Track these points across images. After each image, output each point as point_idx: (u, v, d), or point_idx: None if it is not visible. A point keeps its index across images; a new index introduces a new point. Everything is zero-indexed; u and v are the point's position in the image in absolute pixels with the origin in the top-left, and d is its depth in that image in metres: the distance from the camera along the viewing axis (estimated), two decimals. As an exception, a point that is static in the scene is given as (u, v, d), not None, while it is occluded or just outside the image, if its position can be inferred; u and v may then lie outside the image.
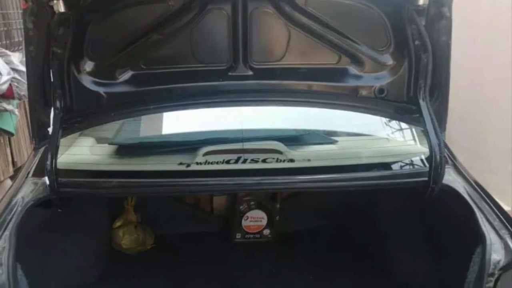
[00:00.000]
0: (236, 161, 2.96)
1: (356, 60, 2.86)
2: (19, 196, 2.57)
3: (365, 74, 2.88)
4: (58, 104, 2.67)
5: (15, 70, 5.61)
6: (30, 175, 2.73)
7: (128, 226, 3.95)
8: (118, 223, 3.96)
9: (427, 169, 2.68)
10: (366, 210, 3.86)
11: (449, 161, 2.82)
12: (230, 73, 2.84)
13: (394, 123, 3.33)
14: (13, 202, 2.53)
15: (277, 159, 3.00)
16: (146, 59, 2.82)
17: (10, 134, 6.04)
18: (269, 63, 2.87)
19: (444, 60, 2.74)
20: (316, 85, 2.92)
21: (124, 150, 3.21)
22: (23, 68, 5.23)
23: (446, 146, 2.76)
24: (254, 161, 2.97)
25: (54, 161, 2.53)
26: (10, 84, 5.50)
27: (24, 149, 6.64)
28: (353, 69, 2.88)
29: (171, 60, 2.88)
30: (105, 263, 3.69)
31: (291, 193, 4.16)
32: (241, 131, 3.32)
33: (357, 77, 2.89)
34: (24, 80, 5.32)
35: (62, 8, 2.52)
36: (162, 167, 2.99)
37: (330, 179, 2.80)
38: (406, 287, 3.32)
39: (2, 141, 6.11)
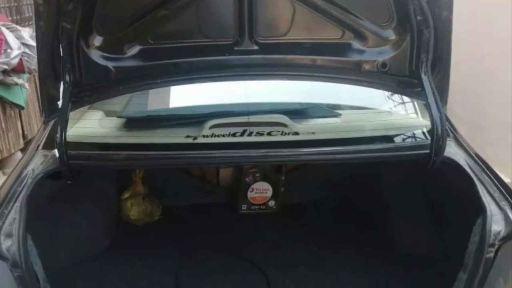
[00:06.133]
0: (242, 134, 2.99)
1: (359, 35, 2.86)
2: (30, 168, 2.60)
3: (368, 49, 2.88)
4: (67, 78, 2.68)
5: (25, 44, 5.68)
6: (40, 147, 2.76)
7: (136, 197, 4.01)
8: (126, 195, 4.02)
9: (429, 141, 2.70)
10: (369, 182, 3.89)
11: (450, 134, 2.84)
12: (236, 48, 2.84)
13: (396, 97, 3.34)
14: (23, 174, 2.56)
15: (282, 132, 3.02)
16: (154, 34, 2.83)
17: (20, 107, 6.11)
18: (274, 38, 2.87)
19: (446, 35, 2.73)
20: (320, 59, 2.92)
21: (132, 123, 3.24)
22: (33, 43, 5.32)
23: (447, 119, 2.76)
24: (260, 134, 3.00)
25: (63, 134, 2.55)
26: (20, 59, 5.57)
27: (34, 122, 6.67)
28: (356, 44, 2.88)
29: (178, 35, 2.88)
30: (113, 234, 3.75)
31: (295, 165, 4.20)
32: (247, 104, 3.35)
33: (360, 52, 2.89)
34: (34, 54, 5.38)
35: (71, -16, 2.54)
36: (170, 139, 3.02)
37: (334, 152, 2.83)
38: (407, 257, 3.37)
39: (12, 114, 6.16)
